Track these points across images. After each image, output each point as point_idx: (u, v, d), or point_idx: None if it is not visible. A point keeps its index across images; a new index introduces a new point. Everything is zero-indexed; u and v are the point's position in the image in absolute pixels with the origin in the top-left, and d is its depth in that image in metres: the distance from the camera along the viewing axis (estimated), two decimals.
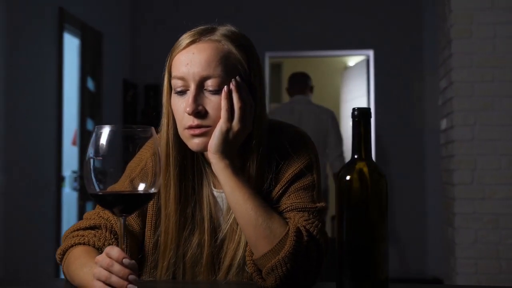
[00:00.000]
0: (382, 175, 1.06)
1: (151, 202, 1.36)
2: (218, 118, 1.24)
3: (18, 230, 3.67)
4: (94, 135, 1.07)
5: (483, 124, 3.66)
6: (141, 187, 1.10)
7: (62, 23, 4.33)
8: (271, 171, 1.31)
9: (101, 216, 1.34)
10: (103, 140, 1.06)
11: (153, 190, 1.10)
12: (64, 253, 1.31)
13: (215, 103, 1.24)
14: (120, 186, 1.10)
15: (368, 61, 6.16)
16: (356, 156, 1.07)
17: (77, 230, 1.34)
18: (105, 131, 1.07)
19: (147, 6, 6.15)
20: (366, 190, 1.05)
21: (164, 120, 1.34)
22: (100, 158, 1.06)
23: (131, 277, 1.05)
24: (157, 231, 1.35)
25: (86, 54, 4.78)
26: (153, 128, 1.12)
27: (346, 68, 7.06)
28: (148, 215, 1.36)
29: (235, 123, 1.24)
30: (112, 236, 1.31)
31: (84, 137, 4.61)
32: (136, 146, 1.10)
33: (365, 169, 1.06)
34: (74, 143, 4.80)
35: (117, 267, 1.05)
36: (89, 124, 4.77)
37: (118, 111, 5.64)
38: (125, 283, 1.05)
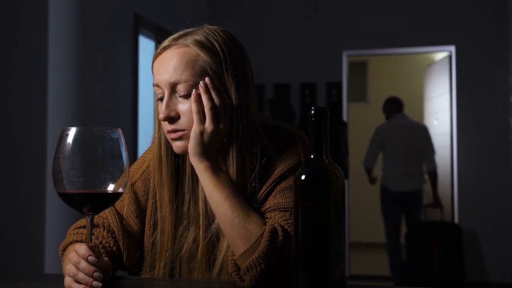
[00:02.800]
0: (339, 175, 1.04)
1: (150, 203, 1.39)
2: (192, 121, 1.26)
3: None
4: (61, 135, 1.09)
5: None
6: (110, 187, 1.11)
7: (137, 27, 4.48)
8: (257, 171, 1.30)
9: (100, 215, 1.38)
10: (70, 140, 1.09)
11: (121, 190, 1.13)
12: (64, 249, 1.37)
13: (187, 107, 1.27)
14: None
15: (450, 57, 5.95)
16: (312, 156, 1.05)
17: (78, 227, 1.39)
18: (72, 132, 1.09)
19: (224, 6, 6.24)
20: (322, 190, 1.03)
21: (155, 124, 1.39)
22: (66, 158, 1.08)
23: (96, 274, 1.10)
24: (155, 231, 1.38)
25: None
26: (120, 130, 1.15)
27: (429, 65, 6.85)
28: (147, 215, 1.40)
29: (208, 125, 1.25)
30: (109, 235, 1.35)
31: None
32: (105, 146, 1.13)
33: (322, 169, 1.04)
34: None
35: (83, 264, 1.11)
36: None
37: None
38: (90, 279, 1.10)
